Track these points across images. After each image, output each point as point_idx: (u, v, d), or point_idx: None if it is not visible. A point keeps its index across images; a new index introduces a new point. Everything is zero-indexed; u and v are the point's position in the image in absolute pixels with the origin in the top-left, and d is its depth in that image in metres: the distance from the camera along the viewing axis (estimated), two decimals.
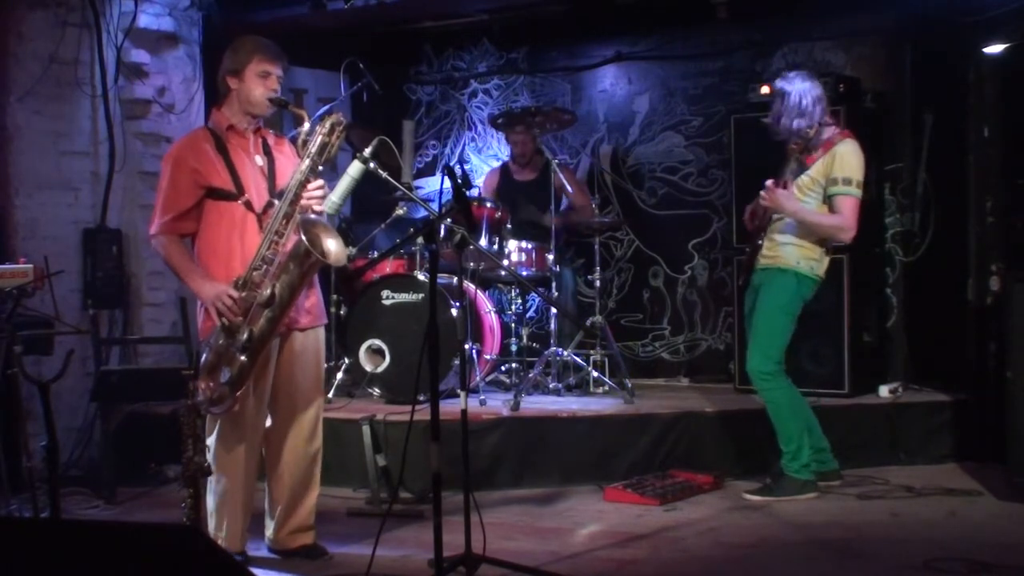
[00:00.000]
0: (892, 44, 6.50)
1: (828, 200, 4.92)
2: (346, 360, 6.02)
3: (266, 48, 4.12)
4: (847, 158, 4.90)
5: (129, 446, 5.65)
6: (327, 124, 4.03)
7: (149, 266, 6.28)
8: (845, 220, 4.88)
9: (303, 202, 3.99)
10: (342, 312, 6.21)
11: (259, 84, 4.08)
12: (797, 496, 4.97)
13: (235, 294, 3.92)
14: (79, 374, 5.81)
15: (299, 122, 4.09)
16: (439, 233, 5.16)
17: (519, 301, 6.52)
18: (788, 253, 4.99)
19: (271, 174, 4.16)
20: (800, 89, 4.93)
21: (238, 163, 4.10)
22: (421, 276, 5.94)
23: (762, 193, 4.95)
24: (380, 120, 6.99)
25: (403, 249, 6.18)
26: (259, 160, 4.17)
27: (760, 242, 5.06)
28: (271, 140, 4.26)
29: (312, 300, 4.21)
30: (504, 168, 7.00)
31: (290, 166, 4.13)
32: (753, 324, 5.10)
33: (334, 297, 6.12)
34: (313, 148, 4.00)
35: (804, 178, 4.95)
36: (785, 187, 4.91)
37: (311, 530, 4.28)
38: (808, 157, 4.94)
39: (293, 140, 4.29)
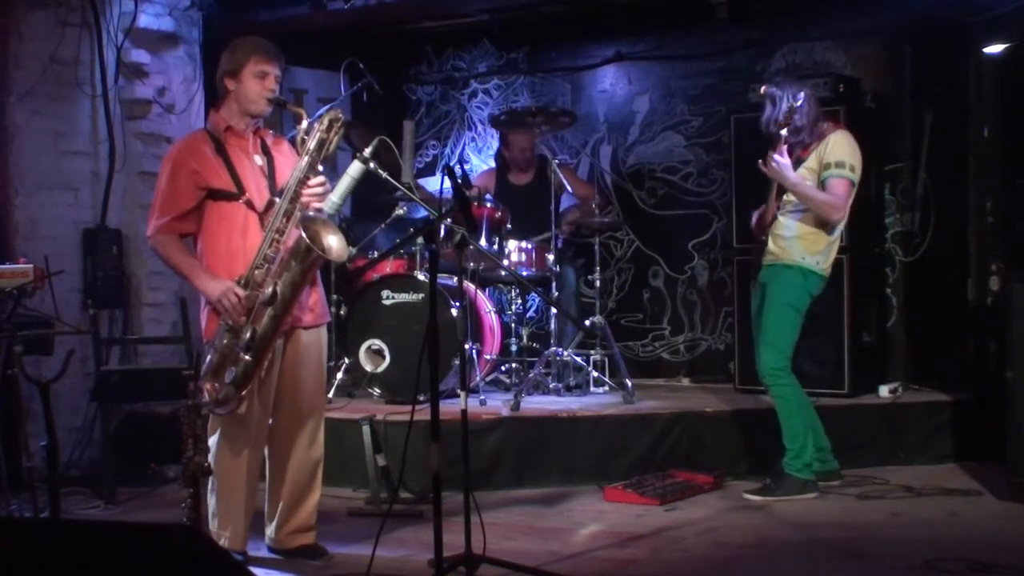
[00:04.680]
0: (892, 44, 6.50)
1: (821, 184, 4.97)
2: (346, 360, 6.02)
3: (263, 48, 4.12)
4: (839, 145, 4.98)
5: (129, 446, 5.65)
6: (325, 121, 4.04)
7: (149, 266, 6.27)
8: (837, 199, 4.93)
9: (303, 199, 4.00)
10: (342, 312, 6.21)
11: (256, 84, 4.08)
12: (797, 496, 4.97)
13: (240, 292, 3.92)
14: (79, 374, 5.81)
15: (298, 120, 4.10)
16: (439, 233, 5.16)
17: (519, 301, 6.52)
18: (792, 248, 5.01)
19: (271, 173, 4.16)
20: (790, 91, 4.97)
21: (238, 164, 4.10)
22: (421, 276, 5.94)
23: (763, 166, 5.00)
24: (380, 120, 6.98)
25: (403, 249, 6.18)
26: (258, 160, 4.17)
27: (765, 238, 5.08)
28: (269, 140, 4.26)
29: (315, 297, 4.21)
30: (500, 171, 6.98)
31: (289, 165, 4.13)
32: (762, 322, 5.11)
33: (334, 297, 6.12)
34: (311, 145, 4.00)
35: (801, 170, 5.01)
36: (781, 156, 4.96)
37: (312, 530, 4.28)
38: (804, 150, 5.03)
39: (293, 140, 4.30)
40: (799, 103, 4.93)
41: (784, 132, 4.94)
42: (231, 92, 4.12)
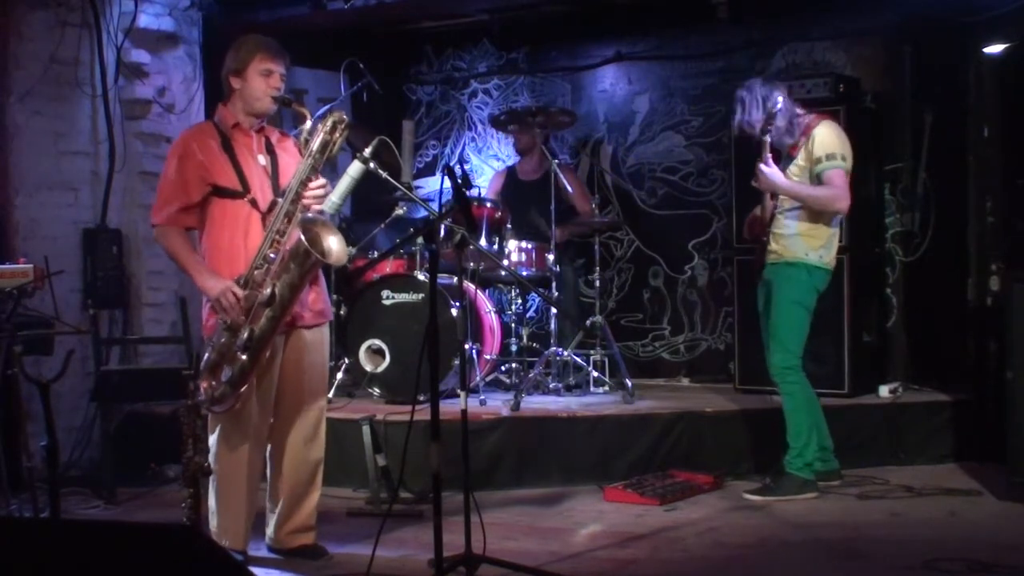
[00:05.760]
0: (892, 44, 6.50)
1: (817, 179, 4.98)
2: (346, 360, 6.02)
3: (268, 46, 4.11)
4: (825, 137, 4.99)
5: (129, 446, 5.65)
6: (329, 122, 4.02)
7: (149, 266, 6.28)
8: (837, 189, 4.95)
9: (304, 201, 3.99)
10: (342, 312, 6.21)
11: (261, 82, 4.07)
12: (797, 495, 4.97)
13: (239, 292, 3.92)
14: (79, 374, 5.81)
15: (301, 120, 4.09)
16: (439, 233, 5.16)
17: (519, 301, 6.52)
18: (795, 245, 5.01)
19: (275, 172, 4.15)
20: (760, 94, 4.98)
21: (243, 161, 4.09)
22: (421, 276, 5.94)
23: (754, 182, 5.01)
24: (380, 120, 6.98)
25: (403, 249, 6.18)
26: (262, 159, 4.16)
27: (766, 239, 5.08)
28: (274, 138, 4.25)
29: (317, 296, 4.21)
30: (511, 170, 7.01)
31: (294, 164, 4.13)
32: (770, 321, 5.11)
33: (334, 297, 6.12)
34: (315, 146, 3.99)
35: (792, 168, 5.03)
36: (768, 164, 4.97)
37: (312, 530, 4.28)
38: (792, 148, 5.05)
39: (295, 139, 4.29)
40: (777, 107, 4.94)
41: (768, 138, 4.95)
42: (236, 90, 4.11)
